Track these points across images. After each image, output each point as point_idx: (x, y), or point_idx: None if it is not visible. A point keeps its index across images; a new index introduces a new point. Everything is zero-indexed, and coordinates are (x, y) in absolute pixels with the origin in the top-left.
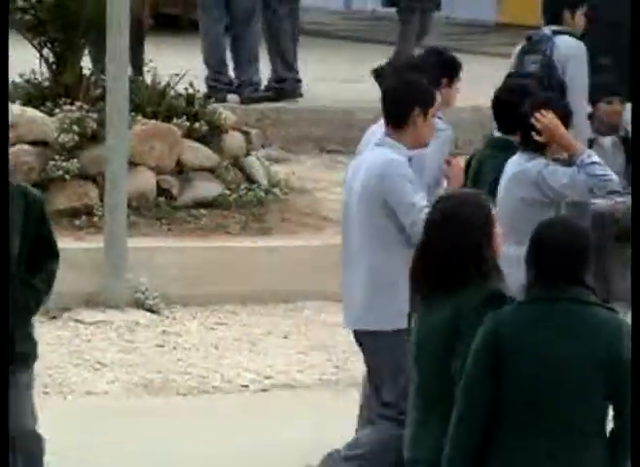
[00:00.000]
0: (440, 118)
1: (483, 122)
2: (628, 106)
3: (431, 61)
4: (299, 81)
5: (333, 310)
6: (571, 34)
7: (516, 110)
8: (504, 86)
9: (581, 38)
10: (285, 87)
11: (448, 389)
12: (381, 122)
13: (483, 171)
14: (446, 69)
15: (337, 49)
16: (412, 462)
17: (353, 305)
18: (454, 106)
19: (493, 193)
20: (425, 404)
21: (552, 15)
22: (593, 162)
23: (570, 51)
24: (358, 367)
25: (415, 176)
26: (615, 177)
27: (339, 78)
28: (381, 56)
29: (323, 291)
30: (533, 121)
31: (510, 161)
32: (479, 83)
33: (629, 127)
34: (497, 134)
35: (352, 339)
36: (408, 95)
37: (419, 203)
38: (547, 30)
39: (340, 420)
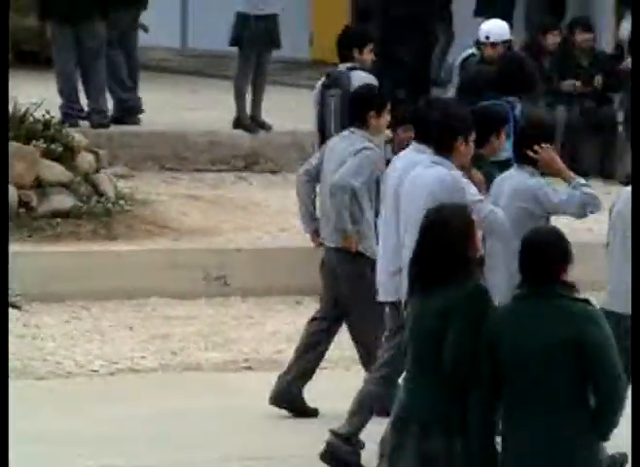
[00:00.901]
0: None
1: (301, 144)
2: None
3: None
4: (139, 99)
5: (171, 305)
6: (362, 69)
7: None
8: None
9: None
10: (128, 105)
11: (437, 362)
12: None
13: None
14: (374, 102)
15: (174, 81)
16: (405, 420)
17: None
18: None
19: None
20: (418, 373)
21: (345, 52)
22: (585, 184)
23: (362, 82)
24: (192, 353)
25: None
26: (598, 197)
27: (176, 106)
28: (214, 88)
29: (163, 289)
30: (532, 152)
31: (508, 175)
32: (296, 111)
33: None
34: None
35: (187, 329)
36: None
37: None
38: (342, 67)
39: (178, 398)
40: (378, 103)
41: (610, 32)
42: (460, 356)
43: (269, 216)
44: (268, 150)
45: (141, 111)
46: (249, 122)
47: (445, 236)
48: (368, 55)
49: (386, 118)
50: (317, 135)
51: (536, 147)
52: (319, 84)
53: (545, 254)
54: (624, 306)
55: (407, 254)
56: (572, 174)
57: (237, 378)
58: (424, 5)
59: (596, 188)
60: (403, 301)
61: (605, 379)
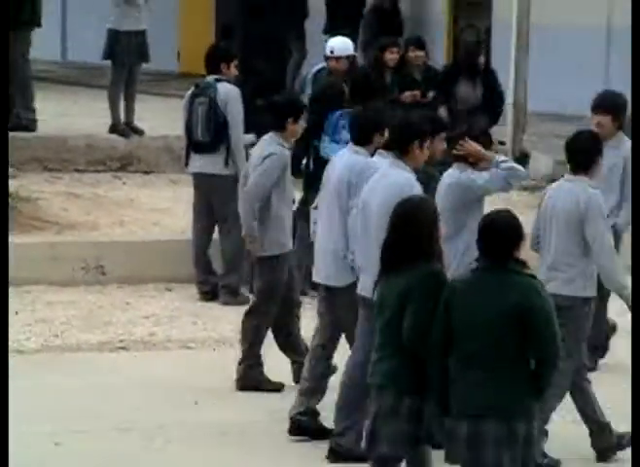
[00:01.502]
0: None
1: (171, 147)
2: None
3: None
4: (35, 121)
5: (53, 292)
6: (228, 81)
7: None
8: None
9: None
10: (22, 122)
11: (397, 334)
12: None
13: None
14: (293, 109)
15: (56, 91)
16: (378, 388)
17: None
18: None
19: None
20: (382, 344)
21: (213, 66)
22: (504, 160)
23: (229, 94)
24: (72, 335)
25: None
26: (520, 168)
27: (58, 113)
28: (92, 97)
29: (46, 277)
30: (459, 149)
31: (447, 173)
32: (166, 118)
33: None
34: None
35: (68, 313)
36: None
37: None
38: (210, 78)
39: (58, 375)
40: (296, 110)
41: (442, 50)
42: (416, 328)
43: (142, 212)
44: (141, 152)
45: (35, 125)
46: (123, 127)
47: (415, 225)
48: (233, 70)
49: (301, 124)
50: (185, 139)
51: (459, 146)
52: (188, 93)
53: (501, 234)
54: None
55: (372, 244)
56: (492, 155)
57: (112, 358)
58: (279, 24)
59: None
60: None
61: (544, 340)
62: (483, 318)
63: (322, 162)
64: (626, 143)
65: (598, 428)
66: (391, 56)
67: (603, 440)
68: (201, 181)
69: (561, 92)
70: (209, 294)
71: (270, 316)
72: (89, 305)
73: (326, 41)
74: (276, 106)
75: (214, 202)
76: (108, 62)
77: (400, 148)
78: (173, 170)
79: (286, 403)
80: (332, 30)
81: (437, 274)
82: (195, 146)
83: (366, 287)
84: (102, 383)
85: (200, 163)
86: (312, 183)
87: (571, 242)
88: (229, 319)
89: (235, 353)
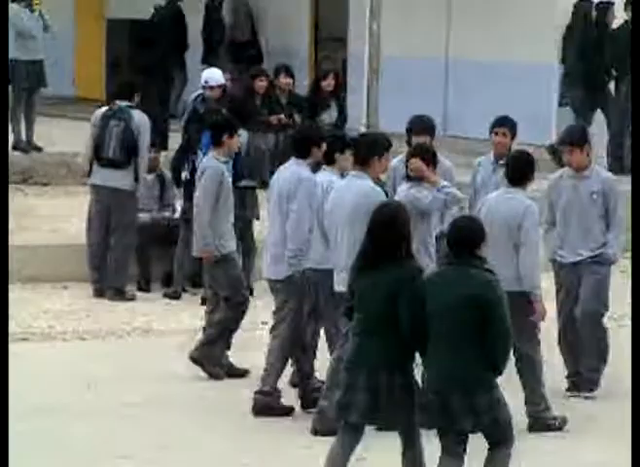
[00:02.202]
0: None
1: (67, 162)
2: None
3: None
4: None
5: None
6: (134, 107)
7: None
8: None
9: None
10: None
11: (386, 321)
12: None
13: None
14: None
15: None
16: (356, 366)
17: None
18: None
19: None
20: (367, 329)
21: (125, 95)
22: (445, 186)
23: (142, 121)
24: None
25: None
26: (459, 194)
27: None
28: None
29: None
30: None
31: (400, 188)
32: (63, 136)
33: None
34: None
35: None
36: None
37: None
38: (122, 104)
39: None
40: (230, 128)
41: (306, 78)
42: (414, 316)
43: (41, 219)
44: (40, 167)
45: None
46: (24, 145)
47: (395, 226)
48: (137, 98)
49: (237, 139)
50: (91, 151)
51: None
52: (100, 112)
53: (466, 235)
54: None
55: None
56: (437, 179)
57: (15, 348)
58: (163, 55)
59: None
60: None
61: (496, 327)
62: (448, 304)
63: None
64: (602, 174)
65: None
66: (260, 84)
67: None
68: (103, 193)
69: (406, 115)
70: (100, 292)
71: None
72: None
73: (203, 70)
74: (214, 125)
75: (113, 213)
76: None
77: (362, 162)
78: (69, 183)
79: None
80: (207, 61)
81: (422, 270)
82: (102, 161)
83: (340, 282)
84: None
85: (106, 177)
86: (191, 192)
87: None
88: (117, 313)
89: (124, 343)
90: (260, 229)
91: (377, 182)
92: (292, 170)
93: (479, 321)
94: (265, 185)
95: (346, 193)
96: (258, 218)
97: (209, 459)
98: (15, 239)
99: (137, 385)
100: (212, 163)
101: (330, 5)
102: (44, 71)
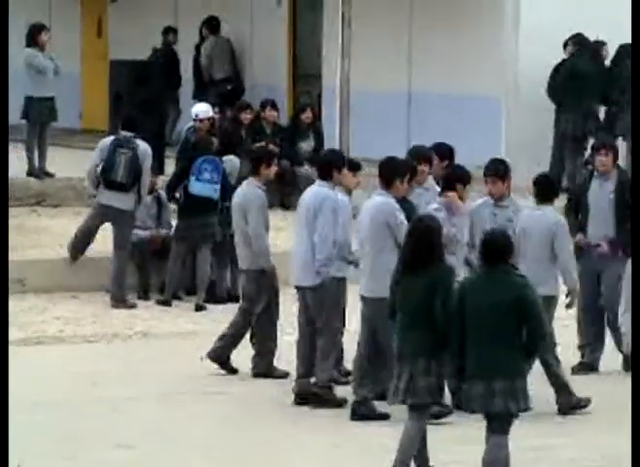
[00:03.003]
0: None
1: (75, 186)
2: None
3: None
4: None
5: None
6: (143, 138)
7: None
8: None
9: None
10: None
11: (424, 318)
12: None
13: None
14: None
15: None
16: (402, 356)
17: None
18: None
19: None
20: (409, 325)
21: (130, 128)
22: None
23: (147, 151)
24: None
25: None
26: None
27: None
28: (13, 148)
29: None
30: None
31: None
32: (71, 163)
33: None
34: None
35: None
36: None
37: None
38: (128, 135)
39: None
40: (268, 159)
41: (285, 111)
42: (447, 310)
43: (53, 237)
44: (52, 191)
45: None
46: (37, 171)
47: (431, 235)
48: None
49: (273, 168)
50: (96, 175)
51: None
52: (108, 140)
53: (498, 247)
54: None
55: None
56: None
57: (30, 350)
58: (159, 91)
59: (277, 215)
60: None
61: (532, 323)
62: (487, 305)
63: (190, 195)
64: (517, 204)
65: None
66: (245, 116)
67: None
68: (109, 212)
69: (374, 142)
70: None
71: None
72: (13, 310)
73: (193, 104)
74: (253, 156)
75: (115, 230)
76: (24, 122)
77: (385, 183)
78: (76, 204)
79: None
80: (197, 96)
81: (453, 270)
82: (110, 184)
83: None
84: (25, 369)
85: (112, 198)
86: (183, 211)
87: None
88: (120, 319)
89: (126, 345)
90: None
91: (403, 201)
92: (316, 190)
93: (515, 318)
94: None
95: (367, 210)
96: None
97: (203, 448)
98: (29, 254)
99: (138, 382)
100: (256, 193)
101: (306, 46)
102: (55, 106)
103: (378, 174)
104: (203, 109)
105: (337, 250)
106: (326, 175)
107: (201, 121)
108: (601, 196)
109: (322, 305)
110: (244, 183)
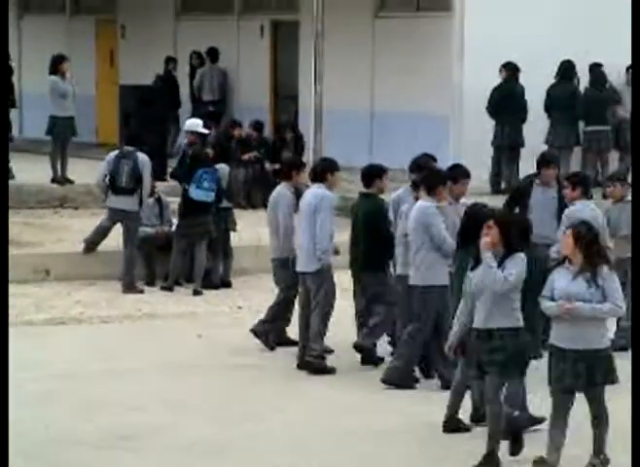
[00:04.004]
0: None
1: (92, 192)
2: None
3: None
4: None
5: (16, 288)
6: (143, 151)
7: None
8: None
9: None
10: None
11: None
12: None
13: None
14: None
15: (16, 156)
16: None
17: None
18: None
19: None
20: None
21: (134, 141)
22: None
23: (145, 161)
24: (27, 316)
25: None
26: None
27: (18, 170)
28: (39, 160)
29: (11, 278)
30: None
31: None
32: (88, 173)
33: None
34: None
35: (24, 301)
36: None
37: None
38: (131, 148)
39: (26, 341)
40: (298, 166)
41: (269, 126)
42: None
43: (73, 234)
44: (72, 195)
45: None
46: (60, 178)
47: (481, 219)
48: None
49: (303, 175)
50: (105, 184)
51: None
52: (113, 154)
53: (591, 237)
54: None
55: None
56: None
57: (55, 329)
58: (161, 110)
59: (252, 217)
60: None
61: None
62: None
63: (190, 200)
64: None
65: None
66: (239, 131)
67: None
68: (117, 213)
69: (343, 153)
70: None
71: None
72: (38, 296)
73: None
74: (285, 163)
75: (124, 227)
76: (49, 137)
77: (428, 189)
78: (93, 207)
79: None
80: (194, 115)
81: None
82: (117, 190)
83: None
84: (50, 345)
85: (119, 202)
86: (183, 212)
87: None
88: (130, 303)
89: (136, 325)
90: (238, 238)
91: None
92: (315, 190)
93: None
94: (238, 206)
95: (413, 211)
96: (235, 230)
97: (209, 412)
98: (53, 248)
99: (146, 356)
100: (287, 194)
101: (285, 72)
102: (74, 124)
103: (423, 182)
104: (195, 122)
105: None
106: (322, 178)
107: (193, 133)
108: (544, 200)
109: (320, 288)
110: (279, 186)
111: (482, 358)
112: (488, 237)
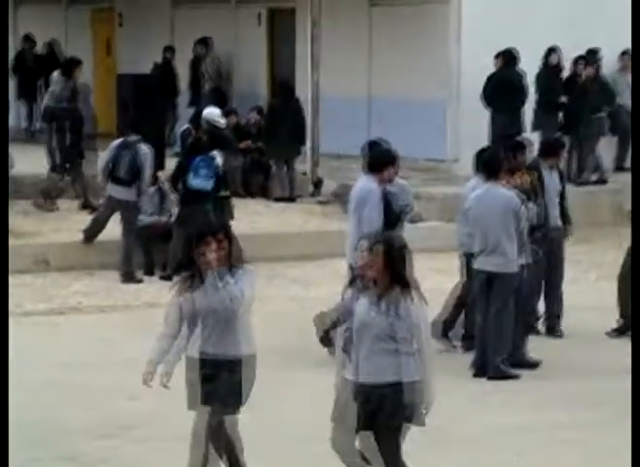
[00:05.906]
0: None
1: (90, 181)
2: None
3: None
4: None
5: (17, 278)
6: (144, 142)
7: None
8: None
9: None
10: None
11: None
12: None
13: None
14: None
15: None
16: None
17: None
18: None
19: None
20: None
21: (136, 130)
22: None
23: (147, 152)
24: (27, 305)
25: None
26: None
27: (18, 162)
28: (38, 152)
29: (11, 268)
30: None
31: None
32: (91, 162)
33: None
34: None
35: (24, 290)
36: None
37: None
38: (133, 138)
39: (25, 329)
40: (388, 162)
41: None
42: None
43: (72, 223)
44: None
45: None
46: (59, 168)
47: None
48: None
49: (392, 170)
50: (106, 175)
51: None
52: (115, 145)
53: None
54: None
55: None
56: None
57: (55, 319)
58: (159, 99)
59: (249, 205)
60: None
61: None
62: None
63: (189, 188)
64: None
65: None
66: (231, 119)
67: None
68: (115, 202)
69: (340, 139)
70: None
71: None
72: (38, 285)
73: (189, 111)
74: (375, 158)
75: (122, 217)
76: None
77: (493, 174)
78: (93, 197)
79: None
80: (193, 104)
81: None
82: (116, 179)
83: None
84: (51, 333)
85: (117, 191)
86: (183, 201)
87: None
88: (129, 292)
89: (134, 314)
90: (235, 226)
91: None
92: (363, 184)
93: None
94: (236, 194)
95: (495, 199)
96: (232, 218)
97: None
98: (53, 238)
99: (145, 344)
100: (372, 188)
101: (283, 62)
102: (77, 115)
103: (486, 167)
104: (207, 112)
105: None
106: (375, 170)
107: (207, 123)
108: (551, 182)
109: None
110: (363, 178)
111: None
112: None
